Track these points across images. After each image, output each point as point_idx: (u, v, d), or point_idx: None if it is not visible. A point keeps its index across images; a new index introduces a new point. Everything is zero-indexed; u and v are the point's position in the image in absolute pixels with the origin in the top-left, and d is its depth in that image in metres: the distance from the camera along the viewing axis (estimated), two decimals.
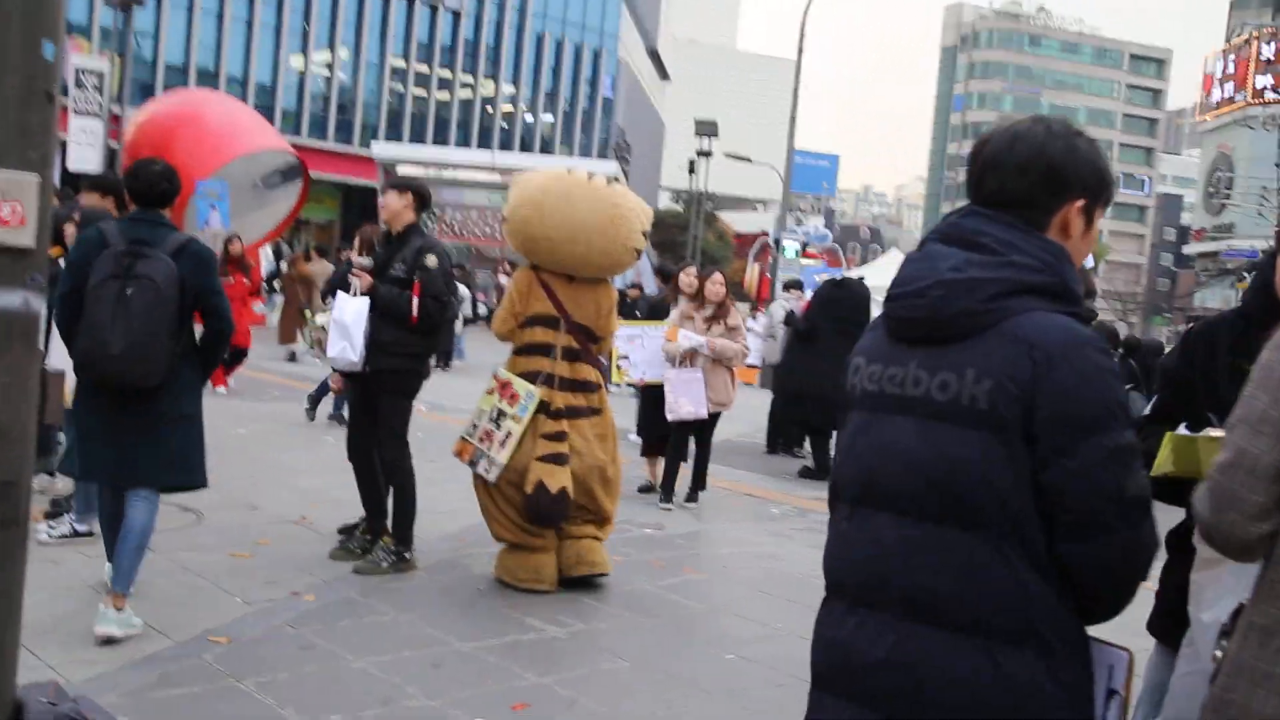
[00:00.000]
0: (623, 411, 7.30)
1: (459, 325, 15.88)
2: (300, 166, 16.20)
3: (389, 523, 5.42)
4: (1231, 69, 48.30)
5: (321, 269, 15.42)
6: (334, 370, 5.42)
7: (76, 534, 5.27)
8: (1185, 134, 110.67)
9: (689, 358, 7.51)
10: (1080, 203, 1.77)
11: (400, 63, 40.74)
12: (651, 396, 7.83)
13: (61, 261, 5.02)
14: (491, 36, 43.44)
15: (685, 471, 7.79)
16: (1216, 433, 2.13)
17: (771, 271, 25.17)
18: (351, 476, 5.59)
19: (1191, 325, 2.62)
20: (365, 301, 5.19)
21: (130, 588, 4.21)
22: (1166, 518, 1.96)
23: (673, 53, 73.83)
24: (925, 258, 1.79)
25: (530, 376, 5.26)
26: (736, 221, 53.26)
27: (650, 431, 8.10)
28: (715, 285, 7.74)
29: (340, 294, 5.27)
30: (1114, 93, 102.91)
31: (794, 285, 12.55)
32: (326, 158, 34.41)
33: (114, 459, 4.21)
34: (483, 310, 22.17)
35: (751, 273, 33.48)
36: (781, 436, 10.88)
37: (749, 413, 11.52)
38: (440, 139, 40.93)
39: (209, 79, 34.59)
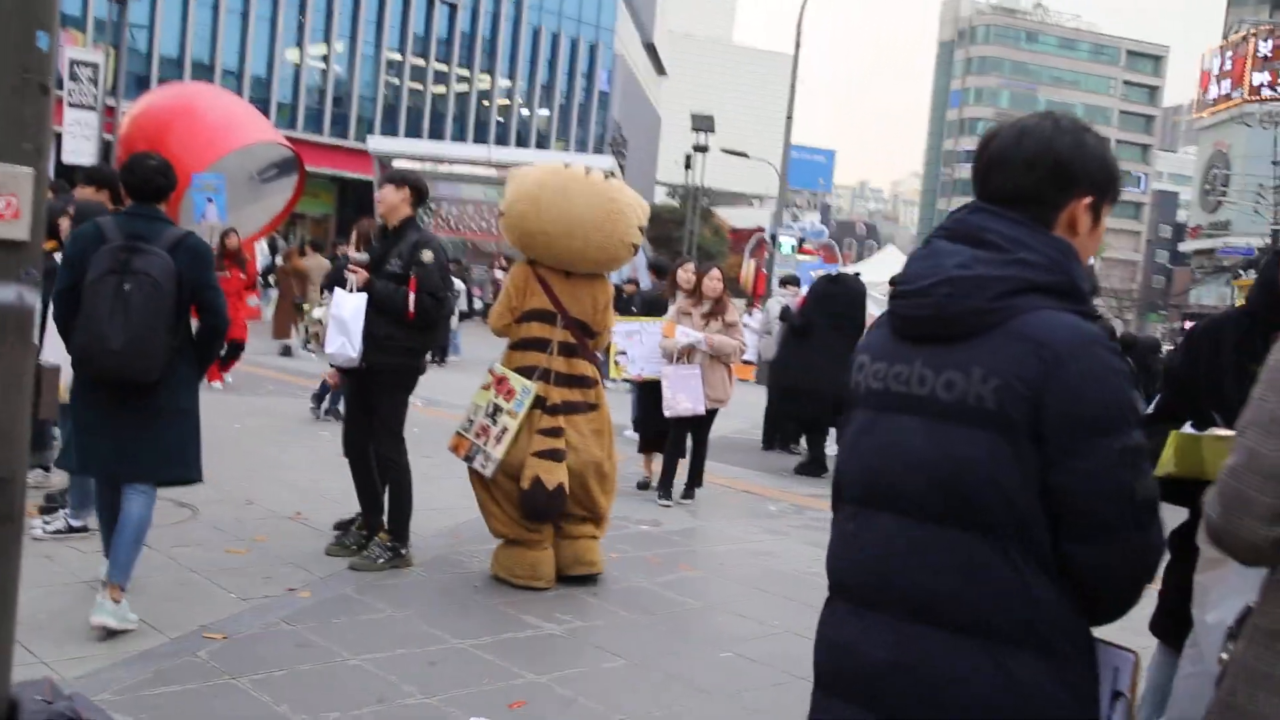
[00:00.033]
0: (618, 407, 7.28)
1: (454, 320, 15.85)
2: (296, 160, 16.13)
3: (385, 519, 5.40)
4: (1229, 66, 48.35)
5: (316, 264, 15.37)
6: (330, 365, 5.39)
7: (71, 529, 5.24)
8: (1181, 131, 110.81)
9: (686, 354, 7.49)
10: (1088, 199, 1.75)
11: (396, 56, 40.62)
12: (649, 392, 7.81)
13: (57, 256, 5.00)
14: (488, 30, 43.33)
15: (682, 468, 7.78)
16: (1221, 432, 2.12)
17: (768, 267, 25.15)
18: (346, 471, 5.57)
19: (1196, 323, 2.60)
20: (363, 297, 5.16)
21: (127, 580, 4.20)
22: (1169, 518, 1.94)
23: (669, 47, 73.74)
24: (931, 255, 1.77)
25: (527, 372, 5.24)
26: (732, 217, 53.23)
27: (648, 427, 8.09)
28: (713, 281, 7.72)
29: (338, 290, 5.25)
30: (1110, 89, 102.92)
31: (790, 281, 12.54)
32: (322, 151, 34.31)
33: (112, 453, 4.22)
34: (478, 305, 22.15)
35: (747, 268, 33.48)
36: (778, 433, 10.87)
37: (745, 409, 11.51)
38: (436, 133, 40.83)
39: (204, 72, 34.47)
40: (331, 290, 5.38)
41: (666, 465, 7.67)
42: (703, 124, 34.15)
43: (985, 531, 1.64)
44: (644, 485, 8.08)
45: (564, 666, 4.23)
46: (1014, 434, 1.62)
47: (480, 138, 41.16)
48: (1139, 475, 1.63)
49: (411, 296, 5.18)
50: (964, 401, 1.66)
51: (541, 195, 5.23)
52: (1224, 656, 1.67)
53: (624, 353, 7.99)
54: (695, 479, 7.74)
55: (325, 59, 38.84)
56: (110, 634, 4.08)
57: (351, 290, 5.24)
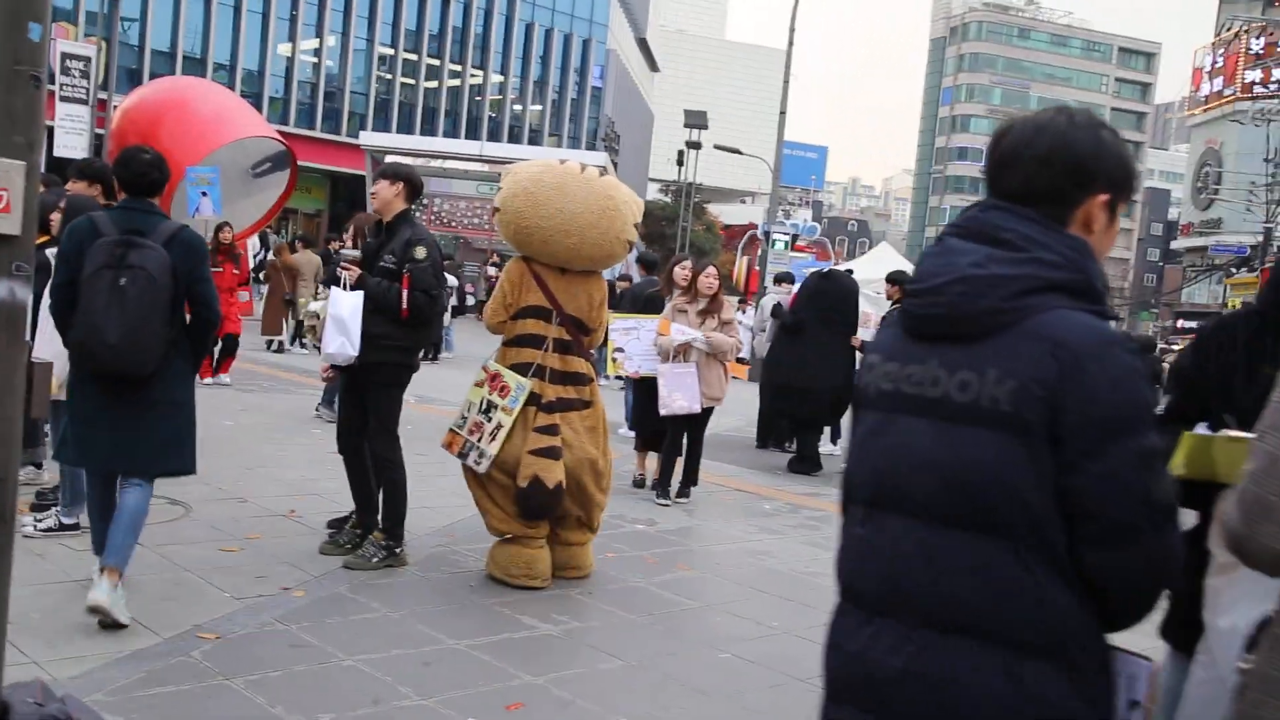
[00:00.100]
0: (613, 404, 7.25)
1: (447, 317, 15.79)
2: (288, 155, 16.05)
3: (379, 517, 5.36)
4: (1220, 63, 48.46)
5: (306, 259, 15.30)
6: (323, 361, 5.35)
7: (63, 527, 5.19)
8: (1173, 128, 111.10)
9: (682, 352, 7.46)
10: (1104, 197, 1.72)
11: (389, 50, 40.50)
12: (646, 389, 7.78)
13: (49, 251, 4.95)
14: (480, 25, 43.23)
15: (677, 466, 7.74)
16: (1234, 434, 2.09)
17: (761, 264, 25.13)
18: (340, 469, 5.53)
19: (1205, 322, 2.57)
20: (360, 295, 5.12)
21: (124, 565, 4.19)
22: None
23: (661, 43, 73.66)
24: (944, 253, 1.73)
25: (522, 368, 5.20)
26: (725, 213, 53.24)
27: (644, 425, 8.06)
28: (708, 279, 7.68)
29: (334, 289, 5.20)
30: (1102, 86, 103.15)
31: (785, 278, 12.51)
32: (314, 146, 34.21)
33: (108, 446, 4.26)
34: (470, 301, 22.08)
35: (740, 265, 33.48)
36: (772, 432, 10.84)
37: (739, 406, 11.49)
38: (428, 128, 40.75)
39: (196, 65, 34.30)
40: (329, 287, 5.33)
41: (663, 464, 7.64)
42: (696, 120, 34.13)
43: (998, 535, 1.61)
44: (639, 483, 8.04)
45: (561, 667, 4.20)
46: (1029, 436, 1.59)
47: (473, 133, 41.07)
48: (1157, 478, 1.60)
49: (405, 294, 5.14)
50: (978, 403, 1.62)
51: (538, 192, 5.19)
52: (1243, 666, 1.64)
53: (621, 349, 7.95)
54: (691, 478, 7.71)
55: (317, 53, 38.70)
56: (105, 625, 4.05)
57: (345, 288, 5.20)
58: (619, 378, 10.05)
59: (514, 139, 42.44)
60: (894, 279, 9.95)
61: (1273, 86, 44.49)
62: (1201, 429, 2.13)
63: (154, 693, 3.57)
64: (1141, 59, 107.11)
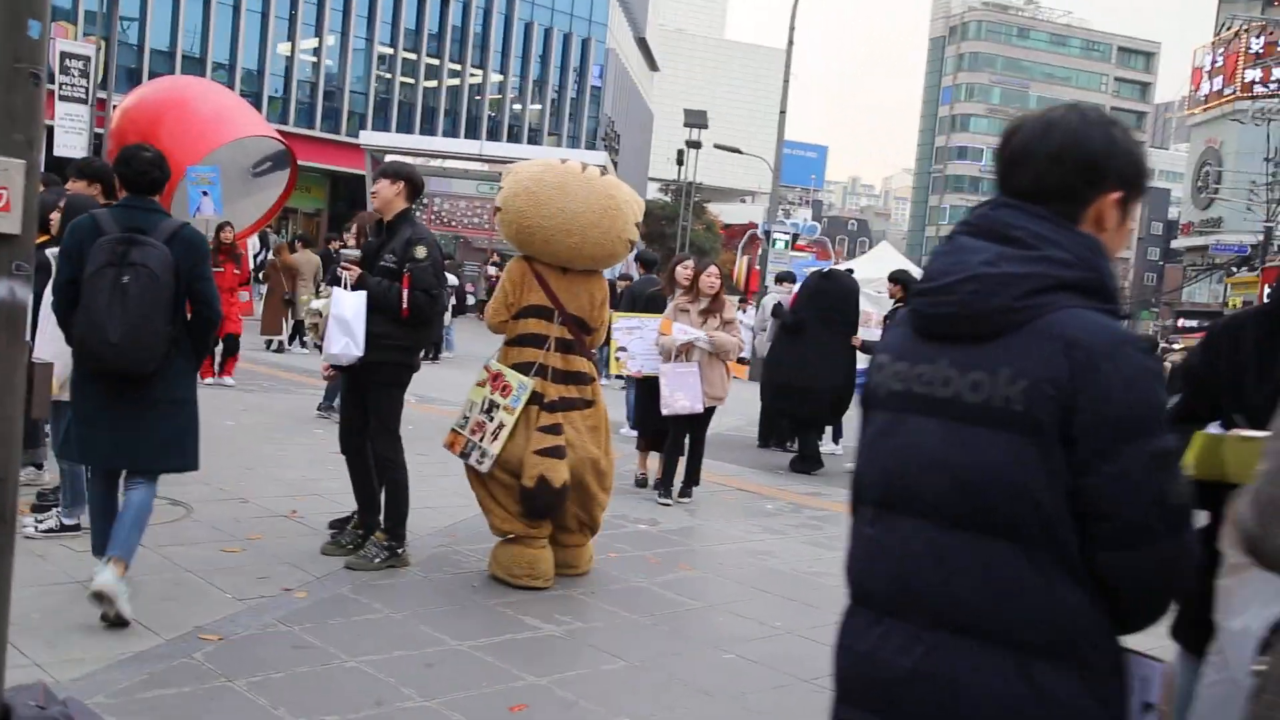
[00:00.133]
0: (614, 404, 7.23)
1: (448, 316, 15.77)
2: (288, 154, 16.01)
3: (381, 518, 5.34)
4: (1220, 62, 48.43)
5: (305, 259, 15.29)
6: (325, 361, 5.33)
7: (64, 527, 5.18)
8: (1173, 128, 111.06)
9: (685, 351, 7.44)
10: (1117, 195, 1.70)
11: (388, 50, 40.46)
12: (649, 389, 7.76)
13: (49, 251, 4.94)
14: (479, 24, 43.20)
15: (679, 466, 7.72)
16: (1245, 433, 2.07)
17: (761, 263, 25.11)
18: (341, 469, 5.51)
19: (1215, 321, 2.55)
20: (363, 295, 5.10)
21: (130, 557, 4.19)
22: None
23: (661, 42, 73.64)
24: (955, 251, 1.71)
25: (524, 368, 5.19)
26: (724, 213, 53.21)
27: (647, 425, 8.04)
28: (710, 278, 7.66)
29: (336, 290, 5.17)
30: (1102, 86, 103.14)
31: (786, 278, 12.49)
32: (314, 146, 34.17)
33: (110, 445, 4.28)
34: (471, 301, 22.06)
35: (740, 265, 33.47)
36: (773, 433, 10.82)
37: (740, 406, 11.47)
38: (428, 127, 40.72)
39: (195, 65, 34.27)
40: (332, 286, 5.32)
41: (666, 464, 7.62)
42: (696, 119, 34.12)
43: (1009, 535, 1.59)
44: (642, 483, 8.03)
45: (564, 668, 4.18)
46: (1041, 436, 1.57)
47: (472, 133, 41.05)
48: (1171, 479, 1.58)
49: (405, 293, 5.12)
50: (990, 404, 1.61)
51: (540, 191, 5.18)
52: (1257, 668, 1.63)
53: (624, 349, 7.94)
54: (693, 477, 7.69)
55: (317, 52, 38.66)
56: (108, 619, 4.05)
57: (346, 288, 5.18)
58: (619, 377, 10.03)
59: (514, 138, 42.41)
60: (896, 278, 9.93)
61: (1273, 85, 44.46)
62: (1214, 429, 2.12)
63: (156, 694, 3.55)
64: (1141, 58, 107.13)
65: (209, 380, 10.54)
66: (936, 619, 1.64)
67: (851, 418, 10.25)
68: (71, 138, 16.62)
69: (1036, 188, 1.69)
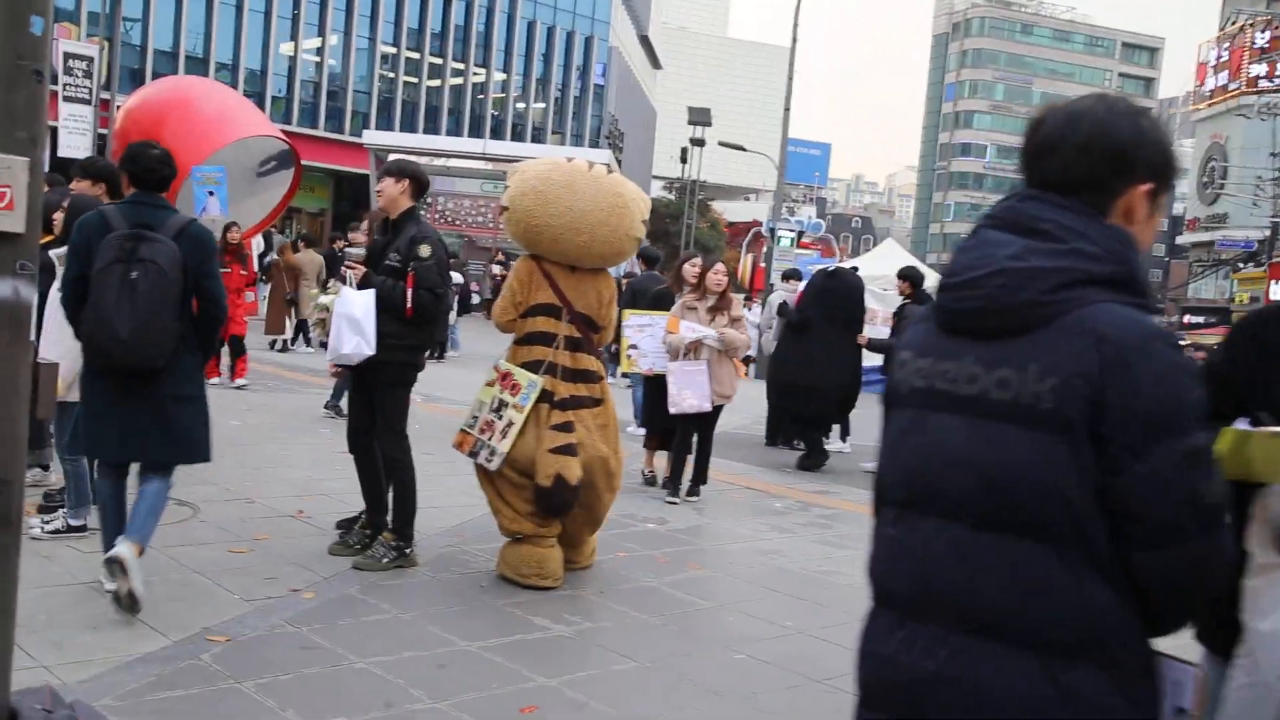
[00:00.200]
0: (621, 402, 7.19)
1: (453, 315, 15.74)
2: (292, 153, 15.98)
3: (389, 518, 5.31)
4: (1225, 57, 48.27)
5: (308, 258, 15.27)
6: (333, 360, 5.30)
7: (70, 528, 5.15)
8: (1176, 123, 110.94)
9: (693, 349, 7.39)
10: (1146, 186, 1.66)
11: (391, 49, 40.44)
12: (658, 387, 7.72)
13: (51, 252, 4.92)
14: (482, 23, 43.17)
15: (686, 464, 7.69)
16: (1273, 430, 2.03)
17: (766, 261, 25.04)
18: (347, 468, 5.49)
19: (1242, 318, 2.50)
20: (372, 294, 5.06)
21: (145, 542, 4.26)
22: None
23: (664, 40, 73.60)
24: (980, 245, 1.67)
25: (532, 366, 5.16)
26: (728, 210, 53.11)
27: (655, 423, 7.99)
28: (717, 276, 7.62)
29: (344, 289, 5.14)
30: (1106, 81, 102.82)
31: (792, 275, 12.45)
32: (317, 145, 34.16)
33: (117, 441, 4.32)
34: (475, 300, 22.03)
35: (745, 263, 33.41)
36: (780, 431, 10.78)
37: (747, 404, 11.42)
38: (431, 126, 40.70)
39: (198, 65, 34.27)
40: (341, 283, 5.29)
41: (674, 463, 7.58)
42: (699, 117, 34.07)
43: (1038, 535, 1.55)
44: (651, 481, 8.00)
45: (574, 669, 4.14)
46: (1070, 434, 1.53)
47: (476, 131, 41.04)
48: (1203, 477, 1.54)
49: (409, 292, 5.08)
50: (1018, 401, 1.57)
51: (547, 190, 5.15)
52: None
53: (635, 346, 7.90)
54: (700, 476, 7.65)
55: (320, 52, 38.65)
56: (120, 601, 4.08)
57: (351, 287, 5.15)
58: (625, 375, 10.00)
59: (517, 137, 42.38)
60: (905, 275, 9.89)
61: (1278, 80, 44.32)
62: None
63: (163, 696, 3.52)
64: (1145, 54, 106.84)
65: (214, 380, 10.51)
66: (960, 619, 1.60)
67: (860, 416, 10.21)
68: (75, 138, 16.62)
69: (1064, 179, 1.66)
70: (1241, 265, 43.92)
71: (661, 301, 8.52)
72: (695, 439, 7.58)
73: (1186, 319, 45.48)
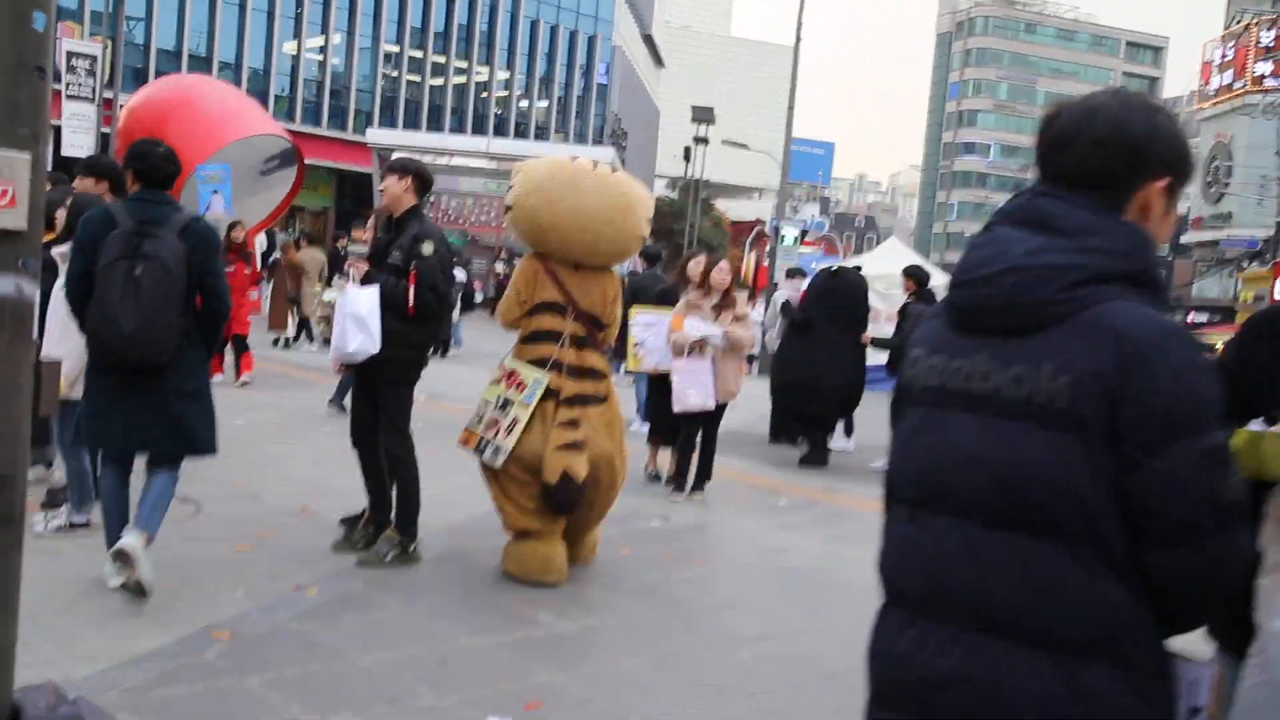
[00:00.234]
0: (624, 401, 7.18)
1: (456, 313, 15.73)
2: (294, 152, 16.00)
3: (393, 515, 5.30)
4: (1230, 56, 48.16)
5: (310, 256, 15.27)
6: (337, 359, 5.29)
7: (74, 525, 5.14)
8: (1181, 122, 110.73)
9: (698, 347, 7.37)
10: (1162, 183, 1.64)
11: (394, 48, 40.45)
12: (664, 385, 7.71)
13: (55, 250, 4.92)
14: (485, 21, 43.17)
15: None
16: None
17: (769, 259, 25.00)
18: (351, 465, 5.47)
19: (1251, 316, 2.48)
20: (376, 291, 5.05)
21: (153, 533, 4.34)
22: None
23: (667, 39, 73.57)
24: (993, 241, 1.66)
25: (538, 364, 5.15)
26: (731, 209, 53.07)
27: (660, 420, 7.98)
28: (721, 274, 7.60)
29: (350, 287, 5.13)
30: (1110, 81, 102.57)
31: (797, 273, 12.43)
32: (320, 144, 34.17)
33: (122, 433, 4.36)
34: (479, 298, 22.02)
35: (748, 261, 33.35)
36: (784, 431, 10.75)
37: (750, 401, 11.39)
38: (434, 125, 40.71)
39: (201, 64, 34.30)
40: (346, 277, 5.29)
41: (679, 460, 7.57)
42: (703, 115, 34.04)
43: (1051, 534, 1.54)
44: (655, 477, 7.99)
45: (579, 665, 4.13)
46: (1086, 433, 1.52)
47: (478, 130, 41.05)
48: (1222, 475, 1.52)
49: (411, 290, 5.07)
50: (1032, 399, 1.55)
51: (553, 189, 5.14)
52: None
53: (641, 344, 7.89)
54: (705, 473, 7.63)
55: (323, 51, 38.66)
56: (129, 588, 4.19)
57: (353, 284, 5.14)
58: (629, 373, 9.99)
59: (520, 136, 42.38)
60: (910, 273, 9.86)
61: None
62: (1257, 425, 2.06)
63: (167, 693, 3.52)
64: (1149, 53, 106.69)
65: (218, 378, 10.50)
66: (971, 618, 1.59)
67: (864, 414, 10.19)
68: (79, 137, 16.63)
69: (1078, 174, 1.64)
70: (1246, 264, 43.82)
71: (666, 300, 8.50)
72: (699, 436, 7.56)
73: (1191, 318, 45.41)
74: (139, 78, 29.76)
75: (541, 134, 44.48)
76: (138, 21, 33.30)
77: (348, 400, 7.18)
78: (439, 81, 41.98)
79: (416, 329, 5.20)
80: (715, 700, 3.97)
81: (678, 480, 7.55)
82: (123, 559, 4.21)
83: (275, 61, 37.24)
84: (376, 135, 29.49)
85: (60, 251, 4.94)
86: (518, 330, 5.31)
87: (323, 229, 32.79)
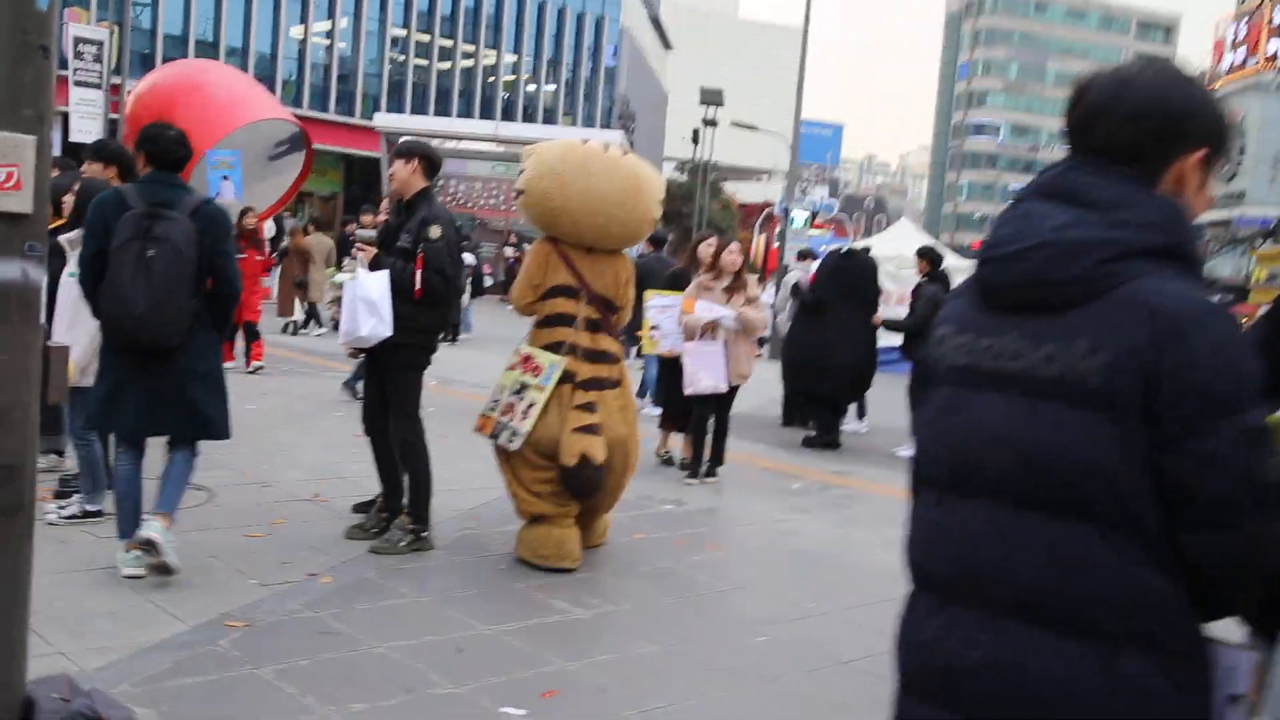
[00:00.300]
0: (635, 385, 7.14)
1: (466, 297, 15.70)
2: (303, 136, 15.93)
3: (405, 501, 5.27)
4: (1243, 33, 47.71)
5: (318, 242, 15.25)
6: (349, 343, 5.26)
7: (86, 514, 5.12)
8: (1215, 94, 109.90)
9: (709, 329, 7.32)
10: (1198, 155, 1.59)
11: (401, 32, 40.28)
12: (676, 368, 7.66)
13: (62, 236, 4.89)
14: (492, 5, 42.96)
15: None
16: None
17: (780, 241, 24.89)
18: (363, 452, 5.45)
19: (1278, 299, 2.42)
20: (386, 275, 5.01)
21: (173, 513, 4.40)
22: None
23: (675, 21, 73.19)
24: (1023, 216, 1.60)
25: (553, 348, 5.12)
26: (740, 191, 52.88)
27: (673, 404, 7.93)
28: (731, 256, 7.54)
29: (360, 271, 5.09)
30: (1121, 60, 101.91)
31: (807, 254, 12.36)
32: (328, 129, 34.05)
33: (134, 415, 4.37)
34: (488, 282, 21.97)
35: (758, 244, 33.25)
36: (797, 414, 10.71)
37: (762, 385, 11.35)
38: (442, 109, 40.57)
39: (208, 49, 34.18)
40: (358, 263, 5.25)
41: (693, 444, 7.53)
42: (712, 98, 33.87)
43: (1080, 514, 1.49)
44: (668, 461, 7.96)
45: (595, 653, 4.11)
46: (1120, 413, 1.46)
47: (486, 113, 40.90)
48: (1263, 457, 1.47)
49: (419, 274, 5.03)
50: (1064, 378, 1.50)
51: (564, 173, 5.10)
52: None
53: (656, 327, 7.85)
54: (717, 457, 7.59)
55: (330, 35, 38.52)
56: (155, 569, 4.27)
57: (361, 268, 5.10)
58: (640, 356, 9.95)
59: (528, 119, 42.22)
60: (924, 253, 9.80)
61: None
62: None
63: (182, 682, 3.49)
64: (1161, 31, 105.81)
65: (229, 365, 10.48)
66: (1007, 607, 1.54)
67: (876, 396, 10.14)
68: (87, 123, 16.58)
69: (1111, 147, 1.58)
70: (1259, 242, 43.51)
71: (678, 283, 8.45)
72: (712, 420, 7.52)
73: None
74: (146, 63, 29.68)
75: (549, 117, 44.31)
76: (144, 7, 33.21)
77: (359, 387, 7.17)
78: (446, 65, 41.82)
79: (424, 313, 5.16)
80: (731, 686, 3.94)
81: (692, 463, 7.51)
82: (149, 548, 4.27)
83: (282, 46, 37.10)
84: (384, 119, 29.38)
85: (69, 238, 4.91)
86: (532, 315, 5.27)
87: (331, 214, 32.74)
